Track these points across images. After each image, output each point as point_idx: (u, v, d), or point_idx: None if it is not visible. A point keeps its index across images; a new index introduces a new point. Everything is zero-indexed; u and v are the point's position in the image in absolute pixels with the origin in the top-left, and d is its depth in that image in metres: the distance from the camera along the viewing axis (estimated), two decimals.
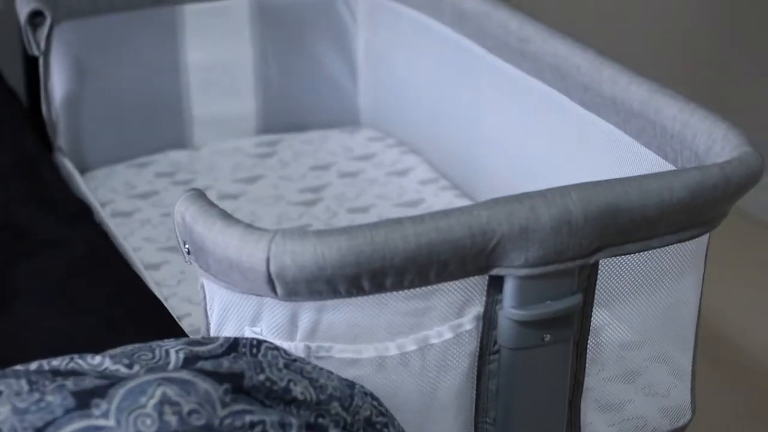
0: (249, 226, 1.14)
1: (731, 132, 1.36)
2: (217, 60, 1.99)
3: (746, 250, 2.36)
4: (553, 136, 1.67)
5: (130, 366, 1.08)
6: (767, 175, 1.42)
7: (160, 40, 1.95)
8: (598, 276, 1.27)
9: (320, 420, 1.08)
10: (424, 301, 1.19)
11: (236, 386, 1.05)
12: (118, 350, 1.12)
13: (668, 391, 1.41)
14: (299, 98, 2.05)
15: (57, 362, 1.09)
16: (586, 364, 1.31)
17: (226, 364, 1.07)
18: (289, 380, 1.08)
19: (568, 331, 1.26)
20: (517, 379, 1.26)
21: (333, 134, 2.04)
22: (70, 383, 1.03)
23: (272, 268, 1.12)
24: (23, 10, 1.76)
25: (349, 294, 1.15)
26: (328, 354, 1.19)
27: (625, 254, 1.26)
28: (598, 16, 2.66)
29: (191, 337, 1.18)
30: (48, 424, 0.98)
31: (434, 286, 1.19)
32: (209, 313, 1.23)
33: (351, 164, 1.95)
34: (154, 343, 1.13)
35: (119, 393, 1.01)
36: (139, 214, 1.79)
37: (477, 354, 1.24)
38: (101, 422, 0.99)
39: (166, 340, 1.16)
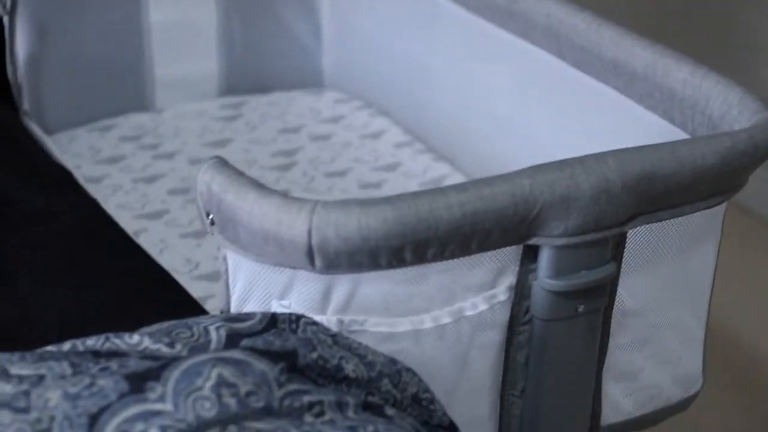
0: (286, 196, 1.08)
1: (747, 97, 1.34)
2: (179, 20, 1.91)
3: (754, 249, 2.33)
4: (544, 98, 1.63)
5: (171, 345, 1.02)
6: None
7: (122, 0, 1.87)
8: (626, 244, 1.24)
9: (370, 398, 1.04)
10: (460, 273, 1.15)
11: (291, 365, 1.00)
12: (153, 328, 1.06)
13: (680, 359, 1.39)
14: (262, 59, 1.98)
15: (92, 342, 1.03)
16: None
17: (277, 342, 1.02)
18: (341, 357, 1.04)
19: (600, 300, 1.23)
20: (549, 351, 1.22)
21: (297, 96, 1.97)
22: (114, 365, 0.97)
23: (314, 240, 1.06)
24: None
25: (390, 266, 1.10)
26: (361, 328, 1.15)
27: (655, 221, 1.23)
28: None
29: (226, 313, 1.12)
30: (102, 409, 0.92)
31: (470, 257, 1.15)
32: (231, 286, 1.17)
33: (321, 127, 1.89)
34: (190, 320, 1.07)
35: (174, 375, 0.95)
36: (109, 180, 1.72)
37: (508, 325, 1.21)
38: (158, 406, 0.93)
39: (201, 317, 1.11)
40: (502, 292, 1.19)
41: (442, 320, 1.17)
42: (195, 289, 1.40)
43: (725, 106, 1.35)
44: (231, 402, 0.94)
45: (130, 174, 1.75)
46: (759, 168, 1.29)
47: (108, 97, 1.89)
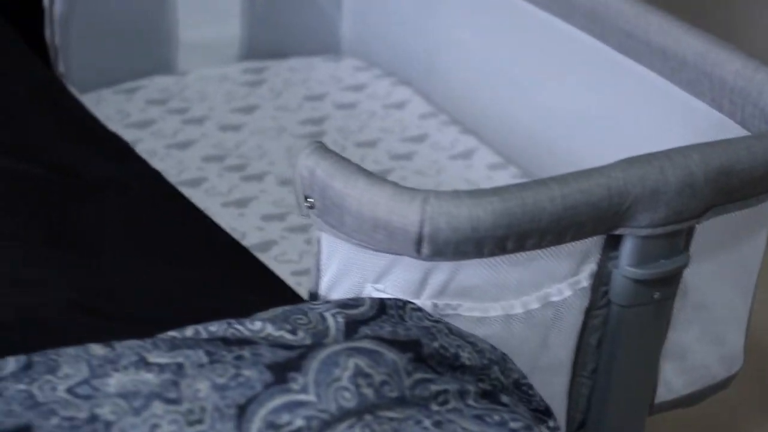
0: (397, 185, 1.11)
1: None
2: None
3: None
4: (581, 79, 1.66)
5: (293, 332, 1.04)
6: None
7: None
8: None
9: (481, 385, 1.07)
10: (551, 260, 1.19)
11: (417, 355, 1.03)
12: (269, 314, 1.08)
13: (726, 338, 1.45)
14: (282, 24, 1.99)
15: (215, 328, 1.04)
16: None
17: (401, 331, 1.05)
18: (457, 346, 1.07)
19: (673, 288, 1.28)
20: (623, 335, 1.27)
21: (316, 62, 1.98)
22: (247, 353, 0.99)
23: (425, 230, 1.09)
24: None
25: (491, 254, 1.13)
26: (454, 312, 1.18)
27: (725, 213, 1.27)
28: None
29: (338, 299, 1.14)
30: (250, 400, 0.95)
31: (561, 246, 1.18)
32: (322, 268, 1.20)
33: (344, 95, 1.91)
34: (303, 306, 1.09)
35: (313, 366, 0.98)
36: (143, 145, 1.72)
37: (586, 309, 1.25)
38: (302, 397, 0.95)
39: (314, 303, 1.13)
40: (584, 279, 1.22)
41: (531, 305, 1.20)
42: None
43: None
44: (368, 392, 0.97)
45: (162, 140, 1.76)
46: None
47: (132, 59, 1.89)
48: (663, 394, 1.39)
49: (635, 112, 1.60)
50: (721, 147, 1.24)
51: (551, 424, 1.11)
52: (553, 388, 1.28)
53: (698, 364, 1.42)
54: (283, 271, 1.43)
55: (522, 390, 1.12)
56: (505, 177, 1.73)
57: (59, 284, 1.21)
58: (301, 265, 1.53)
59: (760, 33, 2.57)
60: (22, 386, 0.96)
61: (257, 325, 1.04)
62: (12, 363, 0.98)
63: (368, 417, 0.96)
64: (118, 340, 1.04)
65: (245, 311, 1.11)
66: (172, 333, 1.04)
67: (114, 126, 1.74)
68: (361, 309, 1.09)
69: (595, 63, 1.62)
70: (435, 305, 1.17)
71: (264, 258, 1.51)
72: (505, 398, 1.05)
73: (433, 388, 1.01)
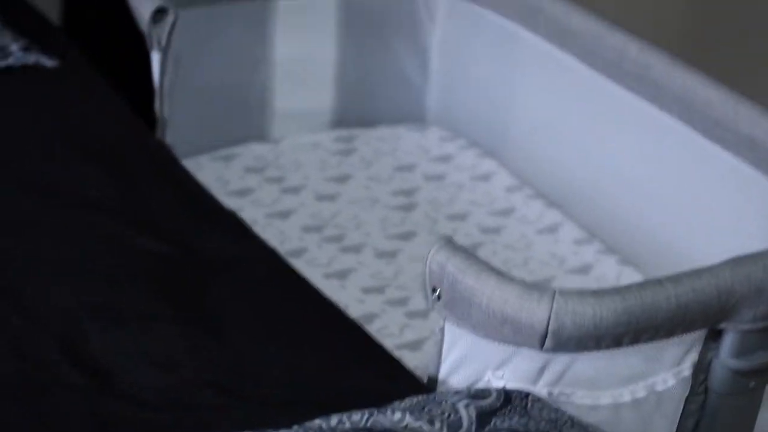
0: (525, 283, 1.19)
1: None
2: (301, 54, 2.00)
3: None
4: (665, 161, 1.74)
5: (431, 422, 1.12)
6: None
7: (250, 33, 1.96)
8: None
9: None
10: (659, 351, 1.26)
11: None
12: (406, 403, 1.15)
13: None
14: (370, 94, 2.08)
15: (357, 417, 1.12)
16: None
17: (531, 425, 1.12)
18: None
19: (767, 377, 1.35)
20: (719, 421, 1.34)
21: (403, 132, 2.07)
22: None
23: (551, 327, 1.17)
24: (147, 8, 1.74)
25: (607, 347, 1.21)
26: (567, 400, 1.25)
27: None
28: None
29: (464, 389, 1.21)
30: None
31: (671, 339, 1.26)
32: (443, 355, 1.27)
33: (432, 166, 1.99)
34: (437, 396, 1.17)
35: None
36: (244, 214, 1.79)
37: (686, 396, 1.32)
38: None
39: (443, 392, 1.21)
40: (686, 368, 1.30)
41: (638, 394, 1.28)
42: None
43: None
44: None
45: (262, 209, 1.84)
46: None
47: (229, 126, 1.98)
48: None
49: (720, 197, 1.67)
50: None
51: None
52: None
53: None
54: (385, 345, 1.51)
55: None
56: (590, 252, 1.81)
57: (193, 363, 1.29)
58: (402, 339, 1.61)
59: None
60: None
61: (397, 416, 1.12)
62: None
63: None
64: (260, 423, 1.12)
65: (367, 395, 1.19)
66: (318, 421, 1.11)
67: (216, 193, 1.83)
68: (489, 400, 1.16)
69: (682, 146, 1.70)
70: (550, 393, 1.25)
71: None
72: None
73: None
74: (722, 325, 1.28)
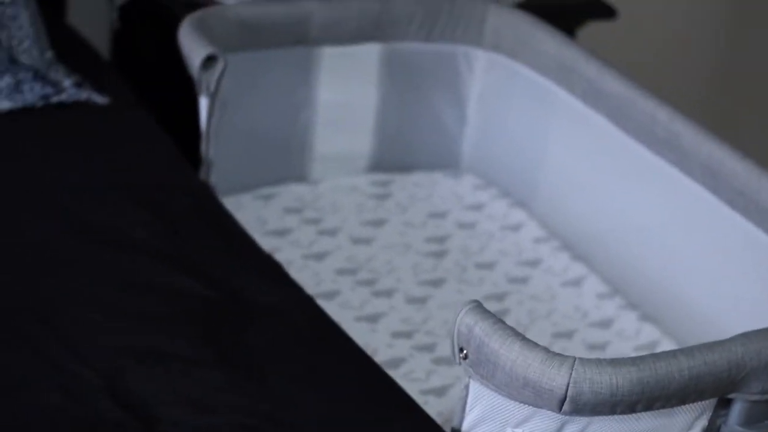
0: (548, 351, 1.26)
1: None
2: (344, 100, 2.09)
3: None
4: (687, 223, 1.81)
5: None
6: None
7: (294, 77, 2.04)
8: None
9: None
10: (670, 417, 1.34)
11: None
12: None
13: None
14: (408, 140, 2.15)
15: None
16: None
17: None
18: None
19: None
20: None
21: (438, 178, 2.15)
22: None
23: (570, 392, 1.24)
24: (198, 56, 1.82)
25: (622, 413, 1.29)
26: None
27: None
28: None
29: None
30: None
31: (682, 407, 1.33)
32: (467, 410, 1.35)
33: (465, 215, 2.06)
34: None
35: None
36: (281, 254, 1.88)
37: None
38: None
39: None
40: None
41: None
42: None
43: None
44: None
45: (298, 249, 1.92)
46: None
47: (270, 167, 2.06)
48: None
49: (740, 264, 1.74)
50: None
51: None
52: None
53: None
54: (411, 389, 1.57)
55: None
56: (612, 307, 1.88)
57: (231, 407, 1.37)
58: (428, 384, 1.69)
59: None
60: None
61: None
62: None
63: None
64: None
65: None
66: None
67: (254, 233, 1.91)
68: None
69: (706, 212, 1.77)
70: None
71: (393, 375, 1.65)
72: None
73: None
74: (732, 395, 1.35)
